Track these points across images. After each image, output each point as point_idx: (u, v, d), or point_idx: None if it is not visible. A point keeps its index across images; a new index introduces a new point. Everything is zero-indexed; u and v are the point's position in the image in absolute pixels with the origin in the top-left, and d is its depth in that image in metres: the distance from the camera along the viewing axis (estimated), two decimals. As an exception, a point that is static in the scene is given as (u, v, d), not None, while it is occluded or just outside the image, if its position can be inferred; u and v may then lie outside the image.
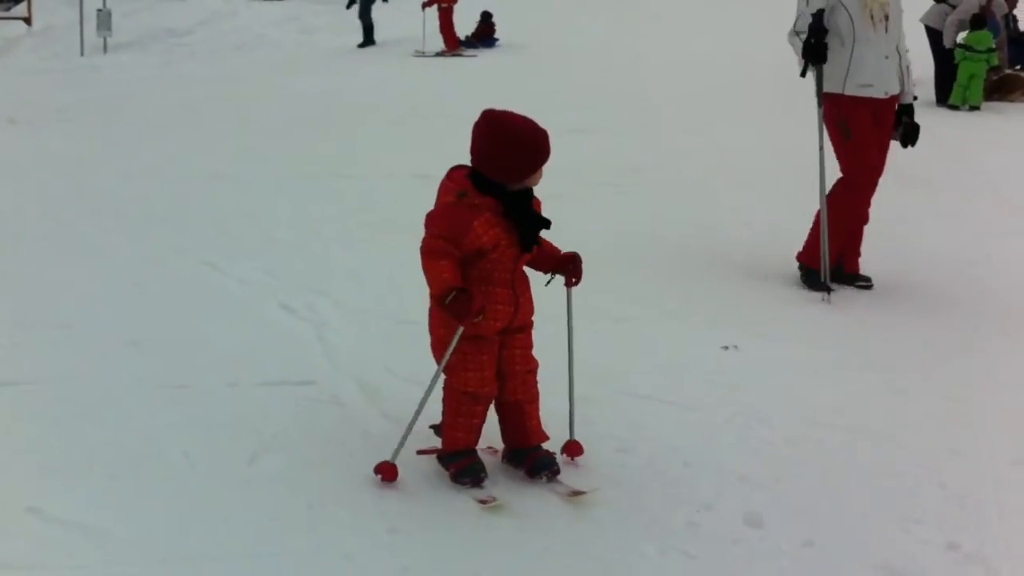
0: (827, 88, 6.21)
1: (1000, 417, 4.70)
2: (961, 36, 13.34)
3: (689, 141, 10.73)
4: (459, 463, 3.87)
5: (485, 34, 19.15)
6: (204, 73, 16.79)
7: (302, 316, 5.61)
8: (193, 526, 3.62)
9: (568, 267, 3.98)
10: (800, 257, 6.42)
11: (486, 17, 19.26)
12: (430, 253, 3.68)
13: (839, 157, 6.34)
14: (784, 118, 10.68)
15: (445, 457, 3.93)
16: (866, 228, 6.46)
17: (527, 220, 3.75)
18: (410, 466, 3.97)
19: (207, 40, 21.68)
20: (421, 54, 18.19)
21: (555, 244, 4.01)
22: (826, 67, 6.14)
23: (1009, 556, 3.61)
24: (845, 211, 6.28)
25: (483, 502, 3.75)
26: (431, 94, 13.90)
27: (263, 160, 9.61)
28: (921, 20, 13.90)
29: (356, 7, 19.65)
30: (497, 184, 3.70)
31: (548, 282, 4.03)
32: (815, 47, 6.05)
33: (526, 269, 3.95)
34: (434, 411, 3.97)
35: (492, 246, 3.69)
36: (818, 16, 6.05)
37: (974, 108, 13.26)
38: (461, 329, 3.67)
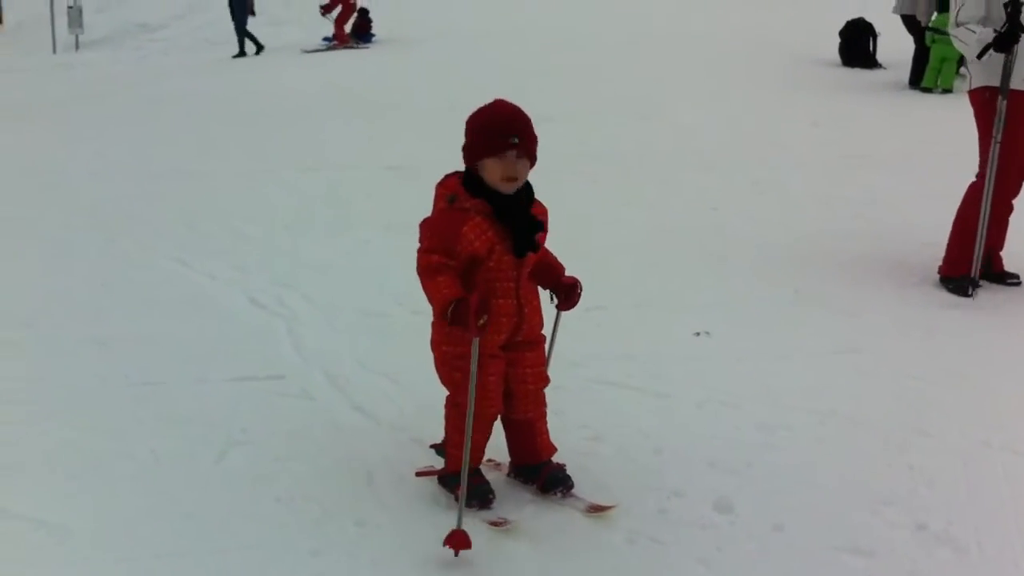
0: (989, 82, 6.06)
1: (969, 397, 4.71)
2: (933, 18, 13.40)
3: (648, 125, 10.75)
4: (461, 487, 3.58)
5: (362, 29, 19.93)
6: (175, 68, 16.71)
7: (271, 311, 5.57)
8: (158, 523, 3.58)
9: (563, 291, 3.77)
10: (943, 271, 6.19)
11: (363, 13, 20.10)
12: (426, 271, 3.44)
13: (984, 150, 6.13)
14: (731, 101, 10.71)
15: (448, 478, 3.72)
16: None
17: (519, 223, 3.51)
18: (381, 464, 3.95)
19: (180, 35, 21.61)
20: (313, 50, 19.20)
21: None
22: (991, 61, 5.97)
23: (977, 536, 3.61)
24: (991, 209, 6.06)
25: (495, 524, 3.55)
26: (388, 86, 13.87)
27: (230, 155, 9.56)
28: (894, 11, 13.96)
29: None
30: (485, 184, 3.47)
31: (552, 299, 3.84)
32: (1008, 36, 5.78)
33: None
34: (434, 430, 3.87)
35: (487, 252, 3.46)
36: (1015, 5, 5.84)
37: (947, 91, 13.29)
38: (477, 342, 3.37)
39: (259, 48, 19.99)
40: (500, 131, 3.44)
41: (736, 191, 8.32)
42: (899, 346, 5.31)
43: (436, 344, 3.66)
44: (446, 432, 3.74)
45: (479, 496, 3.62)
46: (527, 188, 3.58)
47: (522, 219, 3.51)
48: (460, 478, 3.44)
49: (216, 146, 9.86)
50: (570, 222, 7.21)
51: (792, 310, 5.82)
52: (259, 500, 3.74)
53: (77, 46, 20.60)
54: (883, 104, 12.62)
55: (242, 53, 19.90)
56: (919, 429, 4.40)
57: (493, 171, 3.46)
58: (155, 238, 6.74)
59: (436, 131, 10.17)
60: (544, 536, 3.54)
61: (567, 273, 3.81)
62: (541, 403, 3.81)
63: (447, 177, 3.57)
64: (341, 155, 9.31)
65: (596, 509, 3.68)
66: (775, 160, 9.47)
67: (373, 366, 4.88)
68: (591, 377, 4.86)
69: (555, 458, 3.88)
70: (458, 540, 3.34)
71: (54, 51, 21.01)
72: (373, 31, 20.01)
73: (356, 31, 19.82)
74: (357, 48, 19.24)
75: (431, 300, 3.45)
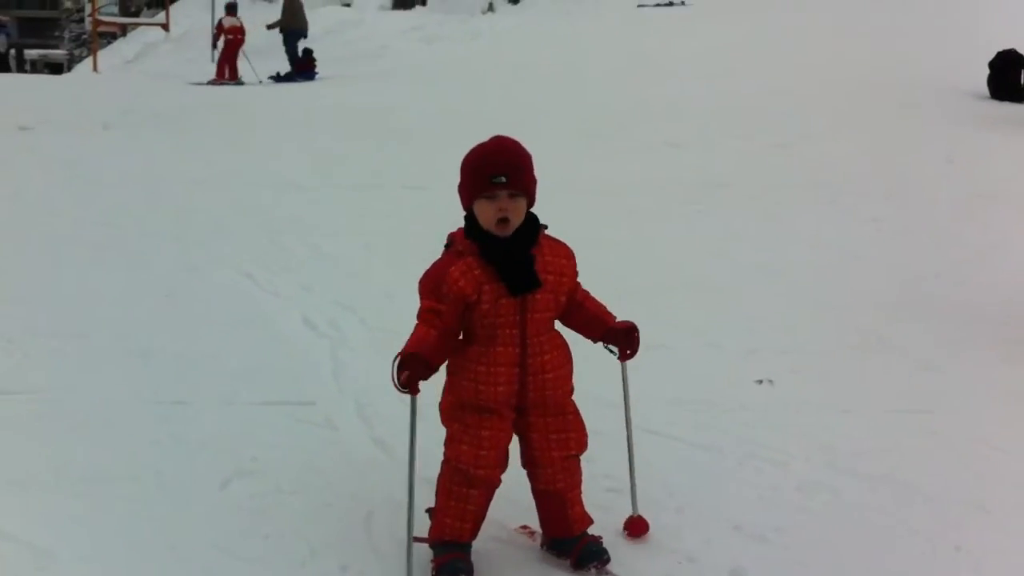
0: None
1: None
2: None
3: (779, 154, 10.33)
4: (442, 557, 3.32)
5: (306, 68, 20.50)
6: (318, 81, 16.93)
7: (322, 332, 5.48)
8: (142, 553, 3.49)
9: (622, 339, 3.56)
10: None
11: (307, 53, 20.67)
12: (417, 317, 3.32)
13: None
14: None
15: (434, 546, 3.39)
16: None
17: (508, 259, 3.26)
18: (384, 503, 3.77)
19: (330, 48, 22.08)
20: (198, 83, 19.66)
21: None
22: None
23: (1015, 634, 3.23)
24: None
25: None
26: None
27: (342, 170, 9.55)
28: None
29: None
30: (481, 228, 3.26)
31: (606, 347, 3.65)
32: None
33: (574, 337, 3.51)
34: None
35: (474, 292, 3.22)
36: None
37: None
38: (414, 400, 3.26)
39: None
40: (486, 171, 3.22)
41: (851, 228, 7.89)
42: (981, 409, 4.87)
43: (443, 392, 3.47)
44: (436, 493, 3.42)
45: (449, 573, 3.27)
46: (530, 225, 3.34)
47: (512, 255, 3.26)
48: (442, 549, 3.27)
49: (329, 160, 9.89)
50: (663, 252, 7.02)
51: (870, 360, 5.42)
52: (249, 536, 3.62)
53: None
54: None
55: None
56: (979, 505, 3.99)
57: (484, 214, 3.25)
58: (231, 250, 6.75)
59: (546, 150, 10.10)
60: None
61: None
62: (572, 473, 3.48)
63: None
64: (449, 172, 9.20)
65: None
66: (901, 197, 8.97)
67: (407, 399, 4.71)
68: (634, 423, 4.58)
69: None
70: None
71: (212, 59, 21.83)
72: (317, 69, 20.49)
73: (300, 69, 20.43)
74: (227, 86, 19.77)
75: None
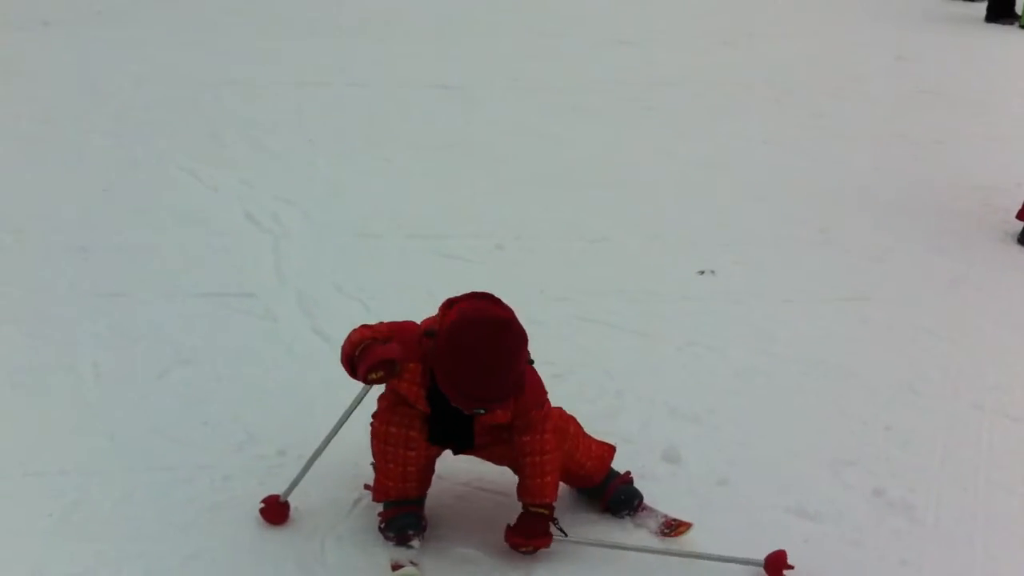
0: None
1: (976, 356, 4.37)
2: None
3: (728, 53, 10.28)
4: (389, 511, 3.06)
5: None
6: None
7: (264, 227, 5.42)
8: (79, 440, 3.50)
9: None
10: (1021, 216, 5.66)
11: None
12: (349, 336, 2.93)
13: None
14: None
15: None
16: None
17: (447, 422, 2.97)
18: (323, 390, 3.78)
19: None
20: None
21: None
22: None
23: (938, 506, 3.33)
24: None
25: (394, 567, 2.95)
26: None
27: (282, 66, 9.34)
28: None
29: None
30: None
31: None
32: None
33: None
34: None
35: (408, 396, 2.95)
36: None
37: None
38: (365, 389, 2.97)
39: None
40: (467, 398, 2.81)
41: (797, 124, 7.88)
42: (916, 296, 4.96)
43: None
44: (372, 453, 3.10)
45: (396, 529, 3.03)
46: None
47: (451, 421, 2.95)
48: (389, 504, 3.05)
49: (273, 56, 9.66)
50: (610, 148, 7.00)
51: (812, 252, 5.47)
52: (188, 422, 3.63)
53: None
54: (975, 38, 11.89)
55: None
56: (910, 386, 4.09)
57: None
58: (171, 146, 6.61)
59: (494, 48, 10.01)
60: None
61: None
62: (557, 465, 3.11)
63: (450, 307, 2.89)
64: (395, 71, 9.06)
65: (673, 528, 3.17)
66: (847, 94, 8.96)
67: (349, 290, 4.72)
68: (574, 313, 4.63)
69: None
70: (268, 511, 3.10)
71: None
72: None
73: None
74: None
75: (343, 351, 2.90)
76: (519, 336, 2.83)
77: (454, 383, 2.79)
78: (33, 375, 3.90)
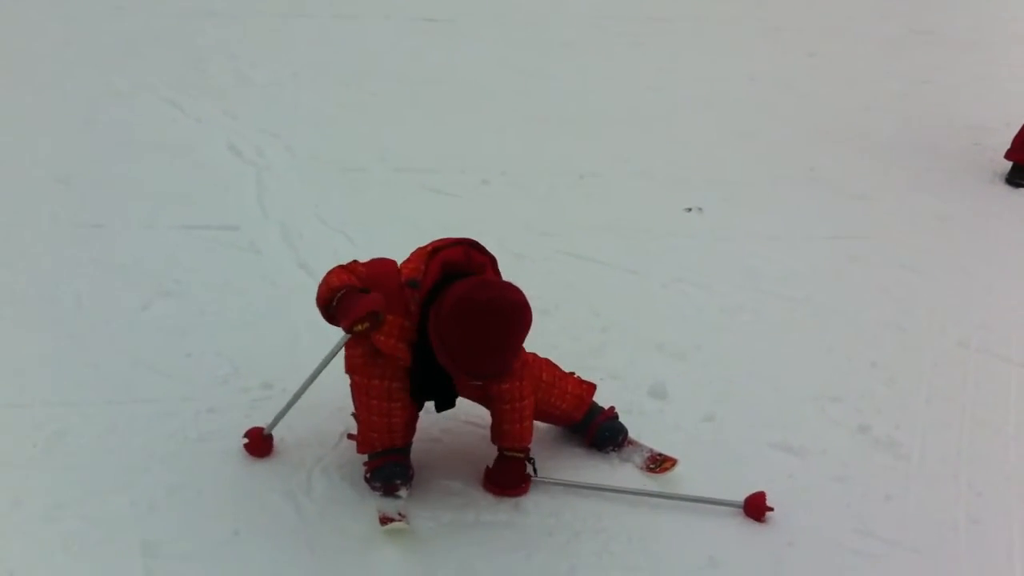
0: None
1: (962, 294, 4.37)
2: None
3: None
4: (375, 460, 2.99)
5: None
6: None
7: (247, 159, 5.35)
8: (61, 370, 3.47)
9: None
10: (1009, 156, 5.66)
11: None
12: (326, 279, 2.84)
13: None
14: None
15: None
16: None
17: (429, 381, 2.94)
18: (306, 326, 3.72)
19: None
20: None
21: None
22: None
23: (923, 443, 3.34)
24: None
25: (383, 520, 2.89)
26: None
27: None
28: None
29: None
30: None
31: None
32: None
33: None
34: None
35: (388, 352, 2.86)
36: None
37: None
38: (345, 336, 2.84)
39: None
40: (468, 374, 2.81)
41: (787, 62, 7.80)
42: (903, 235, 4.95)
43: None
44: (354, 405, 3.03)
45: (382, 479, 2.97)
46: None
47: (434, 381, 2.94)
48: (374, 455, 2.99)
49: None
50: (598, 84, 6.93)
51: (800, 190, 5.44)
52: (171, 353, 3.60)
53: None
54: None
55: None
56: (896, 324, 4.09)
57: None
58: (152, 77, 6.50)
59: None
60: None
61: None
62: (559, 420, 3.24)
63: (438, 253, 2.84)
64: (381, 3, 8.91)
65: (659, 463, 3.17)
66: (839, 32, 8.87)
67: (333, 223, 4.68)
68: (559, 248, 4.60)
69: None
70: (252, 445, 3.09)
71: None
72: None
73: None
74: None
75: (318, 298, 2.82)
76: (529, 320, 2.78)
77: (458, 358, 2.76)
78: (15, 307, 3.85)
